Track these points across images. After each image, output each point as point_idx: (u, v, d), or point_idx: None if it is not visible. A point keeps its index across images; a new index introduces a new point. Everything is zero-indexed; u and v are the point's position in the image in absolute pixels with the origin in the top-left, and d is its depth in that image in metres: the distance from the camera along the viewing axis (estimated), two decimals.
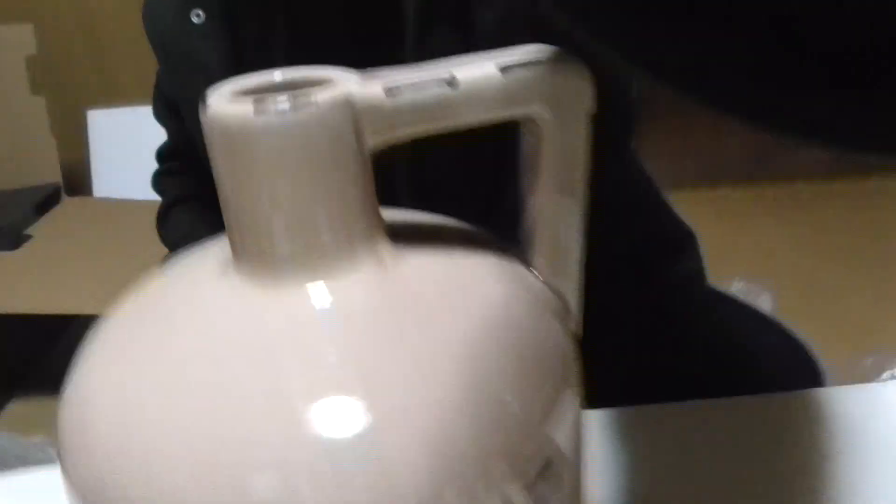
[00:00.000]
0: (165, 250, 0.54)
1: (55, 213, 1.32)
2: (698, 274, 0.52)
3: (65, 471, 0.16)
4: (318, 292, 0.16)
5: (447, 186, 0.41)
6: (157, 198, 0.56)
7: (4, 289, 1.06)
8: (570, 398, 0.17)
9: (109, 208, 1.36)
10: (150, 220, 0.56)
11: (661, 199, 0.51)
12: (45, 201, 1.33)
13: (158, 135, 0.55)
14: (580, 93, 0.17)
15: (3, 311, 1.01)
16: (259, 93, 0.16)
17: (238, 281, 0.17)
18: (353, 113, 0.16)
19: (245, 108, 0.15)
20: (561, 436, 0.17)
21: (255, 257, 0.16)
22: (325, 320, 0.16)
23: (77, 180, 1.49)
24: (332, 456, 0.14)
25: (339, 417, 0.14)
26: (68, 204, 1.39)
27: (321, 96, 0.15)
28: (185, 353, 0.16)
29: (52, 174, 1.40)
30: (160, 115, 0.53)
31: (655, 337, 0.48)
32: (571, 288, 0.20)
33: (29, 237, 1.20)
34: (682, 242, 0.51)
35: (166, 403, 0.15)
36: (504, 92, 0.16)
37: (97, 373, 0.17)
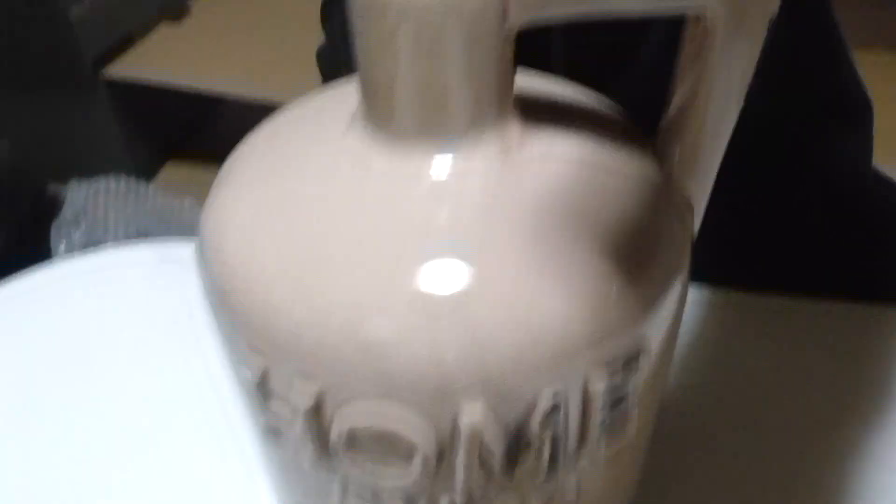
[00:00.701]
0: (323, 39, 0.54)
1: None
2: (866, 153, 0.46)
3: (205, 279, 0.18)
4: (439, 163, 0.17)
5: (602, 56, 0.38)
6: None
7: (165, 60, 1.13)
8: (673, 296, 0.18)
9: None
10: (314, 8, 0.55)
11: (847, 56, 0.44)
12: None
13: None
14: None
15: (165, 81, 1.08)
16: None
17: (364, 136, 0.17)
18: None
19: None
20: (655, 332, 0.17)
21: (381, 117, 0.17)
22: (442, 189, 0.16)
23: None
24: (426, 312, 0.15)
25: (438, 278, 0.15)
26: None
27: None
28: (314, 196, 0.17)
29: None
30: None
31: (805, 219, 0.44)
32: (701, 192, 0.19)
33: (189, 9, 1.24)
34: (858, 114, 0.45)
35: (293, 239, 0.17)
36: None
37: (235, 197, 0.18)
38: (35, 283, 0.40)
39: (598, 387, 0.16)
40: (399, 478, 0.17)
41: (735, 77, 0.16)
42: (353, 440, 0.17)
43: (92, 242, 0.92)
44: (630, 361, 0.17)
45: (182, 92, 1.08)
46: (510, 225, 0.16)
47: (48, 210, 1.05)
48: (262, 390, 0.18)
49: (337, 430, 0.17)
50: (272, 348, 0.17)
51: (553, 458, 0.17)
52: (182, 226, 1.04)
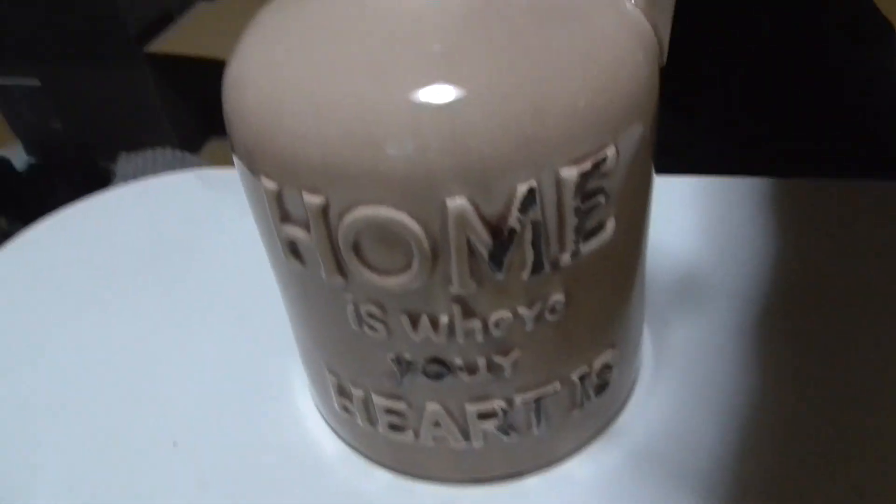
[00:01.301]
0: None
1: None
2: (889, 73, 0.47)
3: (229, 125, 0.20)
4: None
5: None
6: None
7: (204, 35, 1.16)
8: (639, 110, 0.19)
9: None
10: None
11: None
12: None
13: None
14: None
15: (204, 54, 1.12)
16: None
17: None
18: None
19: None
20: (623, 139, 0.19)
21: None
22: (427, 9, 0.19)
23: None
24: (412, 114, 0.17)
25: (422, 83, 0.17)
26: None
27: None
28: (316, 30, 0.19)
29: None
30: None
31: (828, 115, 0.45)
32: (664, 21, 0.21)
33: None
34: (874, 35, 0.46)
35: (298, 68, 0.19)
36: None
37: (250, 44, 0.21)
38: (88, 206, 0.44)
39: (569, 177, 0.18)
40: (401, 281, 0.20)
41: None
42: (359, 244, 0.19)
43: None
44: (598, 159, 0.19)
45: (221, 64, 1.12)
46: (488, 36, 0.18)
47: (100, 182, 1.11)
48: (278, 210, 0.20)
49: (343, 235, 0.19)
50: (282, 167, 0.19)
51: (535, 251, 0.19)
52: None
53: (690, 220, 0.36)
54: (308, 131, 0.18)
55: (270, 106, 0.19)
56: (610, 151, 0.19)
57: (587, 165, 0.18)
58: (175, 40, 1.16)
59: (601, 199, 0.19)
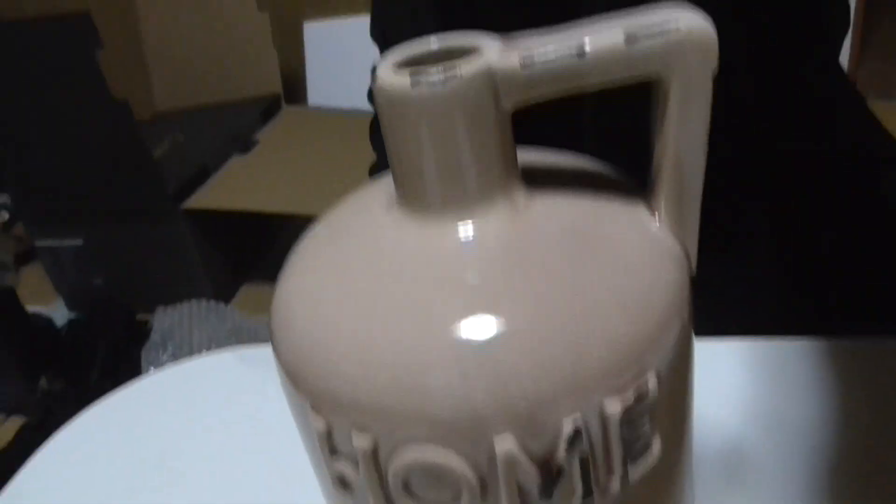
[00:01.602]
0: (375, 156, 0.59)
1: (276, 120, 1.48)
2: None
3: (276, 355, 0.21)
4: (461, 229, 0.20)
5: (628, 129, 0.41)
6: (369, 108, 0.61)
7: (237, 189, 1.23)
8: (675, 328, 0.20)
9: (324, 117, 1.50)
10: (362, 129, 0.61)
11: (865, 109, 0.46)
12: (268, 109, 1.49)
13: (372, 46, 0.59)
14: (706, 55, 0.18)
15: (237, 207, 1.18)
16: (417, 62, 0.19)
17: (399, 215, 0.21)
18: (492, 82, 0.18)
19: (404, 80, 0.18)
20: (662, 361, 0.19)
21: (412, 198, 0.20)
22: (465, 251, 0.19)
23: (294, 90, 1.64)
24: (458, 360, 0.18)
25: (466, 329, 0.18)
26: (287, 112, 1.54)
27: (465, 69, 0.18)
28: (360, 272, 0.20)
29: (273, 85, 1.55)
30: (376, 37, 0.57)
31: (843, 265, 0.45)
32: (689, 232, 0.22)
33: (256, 143, 1.37)
34: (887, 160, 0.47)
35: (345, 310, 0.20)
36: (629, 61, 0.18)
37: (296, 281, 0.22)
38: (127, 394, 0.45)
39: (613, 411, 0.18)
40: None
41: (695, 127, 0.19)
42: (408, 482, 0.19)
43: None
44: (640, 387, 0.19)
45: (253, 215, 1.17)
46: (524, 276, 0.19)
47: (139, 336, 1.13)
48: (327, 446, 0.20)
49: (393, 474, 0.19)
50: (332, 407, 0.19)
51: (585, 481, 0.19)
52: (258, 341, 1.10)
53: (735, 387, 0.36)
54: (356, 374, 0.19)
55: (316, 347, 0.20)
56: (651, 378, 0.19)
57: (630, 396, 0.19)
58: (210, 195, 1.22)
59: (645, 422, 0.19)
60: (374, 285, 0.20)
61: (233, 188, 1.24)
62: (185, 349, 1.04)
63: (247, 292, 1.37)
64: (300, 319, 0.21)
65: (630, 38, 0.18)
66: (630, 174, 0.23)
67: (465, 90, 0.18)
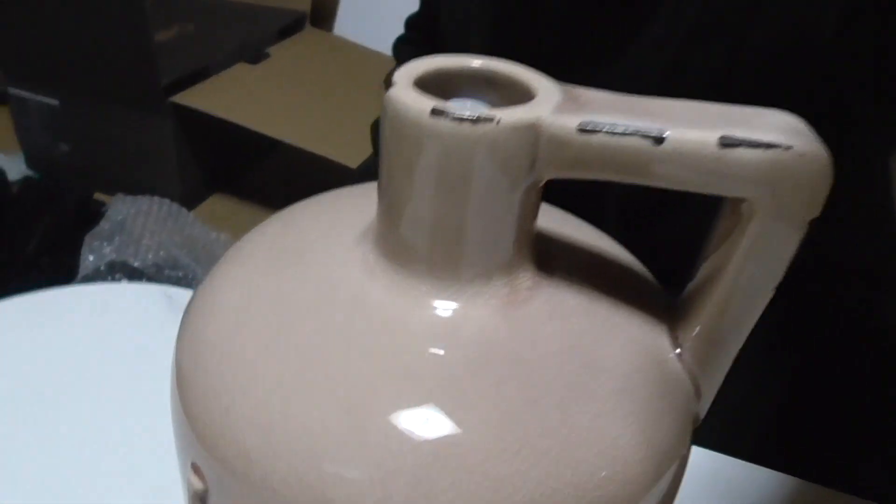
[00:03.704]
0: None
1: (295, 39, 1.40)
2: None
3: (181, 401, 0.17)
4: (440, 308, 0.15)
5: (653, 212, 0.37)
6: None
7: (234, 98, 1.16)
8: (664, 482, 0.16)
9: (345, 48, 1.42)
10: (381, 73, 0.56)
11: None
12: (290, 26, 1.41)
13: None
14: (812, 194, 0.14)
15: (229, 117, 1.11)
16: (447, 80, 0.15)
17: (370, 259, 0.16)
18: (535, 139, 0.14)
19: (423, 105, 0.14)
20: None
21: (393, 247, 0.16)
22: (436, 338, 0.15)
23: (324, 14, 1.56)
24: (383, 472, 0.14)
25: (404, 433, 0.14)
26: (308, 33, 1.46)
27: (506, 117, 0.13)
28: (297, 317, 0.16)
29: (302, 4, 1.47)
30: None
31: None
32: (711, 378, 0.18)
33: (267, 56, 1.29)
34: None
35: (259, 358, 0.15)
36: (715, 168, 0.14)
37: (221, 292, 0.17)
38: (45, 300, 0.40)
39: None
40: None
41: (765, 269, 0.15)
42: None
43: (119, 261, 0.93)
44: None
45: (241, 129, 1.10)
46: (496, 391, 0.15)
47: (89, 217, 1.07)
48: None
49: None
50: (212, 472, 0.15)
51: None
52: (210, 258, 1.04)
53: None
54: (251, 452, 0.14)
55: (217, 398, 0.15)
56: None
57: None
58: (204, 96, 1.15)
59: None
60: (313, 337, 0.15)
61: (229, 96, 1.17)
62: (131, 247, 0.99)
63: (214, 204, 1.31)
64: (213, 344, 0.16)
65: (726, 141, 0.14)
66: (647, 263, 0.19)
67: (498, 141, 0.14)
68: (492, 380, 0.15)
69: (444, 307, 0.15)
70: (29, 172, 1.28)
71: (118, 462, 0.31)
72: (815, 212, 0.14)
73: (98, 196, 1.18)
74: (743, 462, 0.34)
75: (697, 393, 0.17)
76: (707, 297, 0.16)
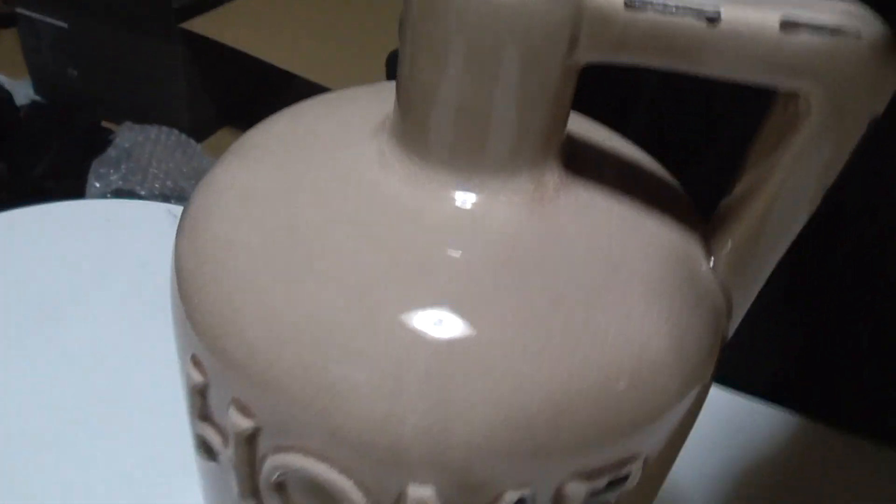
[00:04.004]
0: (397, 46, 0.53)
1: None
2: None
3: (180, 292, 0.16)
4: (462, 199, 0.14)
5: (684, 123, 0.35)
6: None
7: (248, 27, 1.13)
8: (684, 405, 0.15)
9: None
10: (399, 7, 0.54)
11: None
12: None
13: None
14: (878, 89, 0.13)
15: (241, 46, 1.09)
16: None
17: (386, 150, 0.15)
18: (577, 14, 0.13)
19: None
20: (655, 442, 0.15)
21: (412, 133, 0.15)
22: (457, 230, 0.14)
23: None
24: (393, 368, 0.13)
25: (417, 333, 0.13)
26: None
27: None
28: (308, 212, 0.15)
29: None
30: None
31: None
32: (745, 294, 0.17)
33: None
34: None
35: (263, 245, 0.14)
36: (774, 53, 0.12)
37: (226, 181, 0.16)
38: (47, 214, 0.39)
39: (575, 497, 0.14)
40: None
41: (814, 174, 0.14)
42: (283, 488, 0.15)
43: (125, 188, 0.92)
44: (619, 470, 0.14)
45: (255, 60, 1.08)
46: (519, 289, 0.14)
47: (96, 144, 1.06)
48: (197, 408, 0.16)
49: (266, 474, 0.15)
50: (216, 368, 0.14)
51: None
52: None
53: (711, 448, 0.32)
54: (255, 341, 0.14)
55: (218, 285, 0.14)
56: (635, 466, 0.14)
57: (601, 483, 0.14)
58: (217, 24, 1.12)
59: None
60: (323, 227, 0.14)
61: (243, 24, 1.14)
62: (138, 175, 0.97)
63: (223, 136, 1.29)
64: (211, 244, 0.15)
65: (788, 24, 0.12)
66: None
67: (536, 13, 0.12)
68: (514, 277, 0.14)
69: (465, 200, 0.14)
70: (36, 97, 1.26)
71: (120, 371, 0.31)
72: (880, 109, 0.13)
73: (106, 123, 1.16)
74: (760, 401, 0.33)
75: (728, 309, 0.17)
76: (748, 205, 0.15)
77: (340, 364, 0.13)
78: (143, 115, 1.09)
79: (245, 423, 0.14)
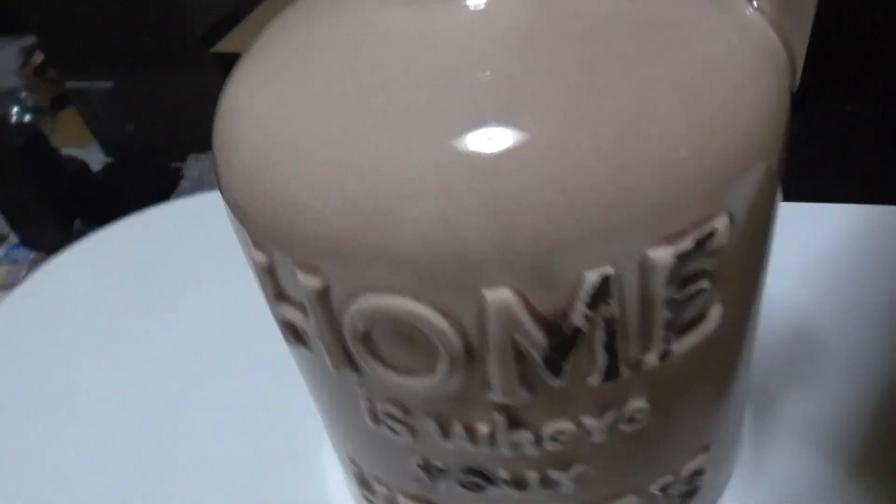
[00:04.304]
0: None
1: None
2: None
3: (219, 178, 0.16)
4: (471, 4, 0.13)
5: None
6: None
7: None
8: (762, 157, 0.14)
9: None
10: None
11: None
12: None
13: None
14: None
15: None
16: None
17: None
18: None
19: None
20: (736, 202, 0.14)
21: None
22: (472, 32, 0.13)
23: None
24: (441, 179, 0.12)
25: (458, 139, 0.12)
26: None
27: None
28: (326, 61, 0.15)
29: None
30: None
31: None
32: (800, 30, 0.15)
33: None
34: None
35: (297, 109, 0.14)
36: None
37: (249, 76, 0.16)
38: (115, 231, 0.41)
39: (661, 261, 0.13)
40: (426, 384, 0.15)
41: None
42: (370, 338, 0.14)
43: None
44: (703, 233, 0.13)
45: None
46: (551, 66, 0.13)
47: (170, 184, 1.11)
48: (270, 287, 0.16)
49: (350, 330, 0.14)
50: (273, 236, 0.14)
51: (610, 354, 0.14)
52: None
53: (810, 256, 0.30)
54: (300, 195, 0.13)
55: (261, 161, 0.14)
56: (720, 222, 0.13)
57: (687, 244, 0.13)
58: (241, 39, 1.15)
59: (704, 283, 0.14)
60: (339, 76, 0.14)
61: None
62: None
63: None
64: (246, 126, 0.15)
65: None
66: None
67: None
68: (543, 65, 0.13)
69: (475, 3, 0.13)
70: (108, 159, 1.34)
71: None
72: None
73: (174, 164, 1.21)
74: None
75: (787, 48, 0.15)
76: None
77: (390, 195, 0.13)
78: (203, 145, 1.13)
79: (314, 282, 0.14)
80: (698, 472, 0.19)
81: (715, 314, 0.15)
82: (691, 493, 0.20)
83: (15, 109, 1.44)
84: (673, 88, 0.13)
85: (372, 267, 0.13)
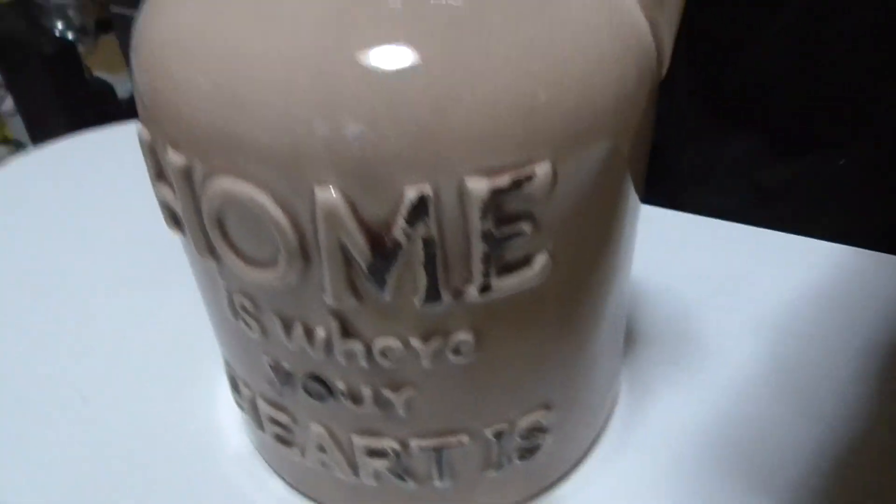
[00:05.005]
0: None
1: None
2: None
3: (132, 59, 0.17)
4: None
5: None
6: None
7: None
8: (602, 140, 0.15)
9: None
10: None
11: None
12: None
13: None
14: None
15: None
16: None
17: None
18: None
19: None
20: (568, 163, 0.15)
21: None
22: None
23: None
24: (288, 81, 0.14)
25: (312, 45, 0.14)
26: None
27: None
28: None
29: None
30: None
31: None
32: (670, 27, 0.16)
33: None
34: None
35: (213, 4, 0.15)
36: None
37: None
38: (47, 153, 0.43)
39: (477, 191, 0.14)
40: (269, 276, 0.16)
41: None
42: (223, 223, 0.16)
43: None
44: (521, 179, 0.14)
45: None
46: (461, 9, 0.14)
47: None
48: (153, 168, 0.17)
49: (207, 210, 0.16)
50: (153, 114, 0.16)
51: (430, 275, 0.15)
52: None
53: (694, 266, 0.31)
54: (179, 75, 0.15)
55: (162, 45, 0.16)
56: (541, 169, 0.15)
57: (503, 181, 0.14)
58: None
59: (525, 227, 0.15)
60: None
61: None
62: None
63: None
64: (158, 8, 0.17)
65: None
66: None
67: None
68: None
69: None
70: None
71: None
72: None
73: None
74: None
75: (656, 38, 0.16)
76: None
77: (247, 77, 0.14)
78: None
79: (178, 159, 0.15)
80: (538, 429, 0.21)
81: (539, 262, 0.16)
82: (531, 450, 0.21)
83: (60, 24, 1.47)
84: (530, 42, 0.14)
85: (223, 149, 0.15)
